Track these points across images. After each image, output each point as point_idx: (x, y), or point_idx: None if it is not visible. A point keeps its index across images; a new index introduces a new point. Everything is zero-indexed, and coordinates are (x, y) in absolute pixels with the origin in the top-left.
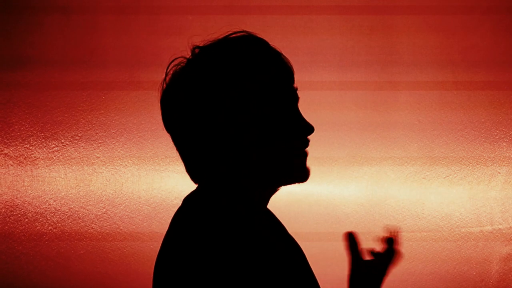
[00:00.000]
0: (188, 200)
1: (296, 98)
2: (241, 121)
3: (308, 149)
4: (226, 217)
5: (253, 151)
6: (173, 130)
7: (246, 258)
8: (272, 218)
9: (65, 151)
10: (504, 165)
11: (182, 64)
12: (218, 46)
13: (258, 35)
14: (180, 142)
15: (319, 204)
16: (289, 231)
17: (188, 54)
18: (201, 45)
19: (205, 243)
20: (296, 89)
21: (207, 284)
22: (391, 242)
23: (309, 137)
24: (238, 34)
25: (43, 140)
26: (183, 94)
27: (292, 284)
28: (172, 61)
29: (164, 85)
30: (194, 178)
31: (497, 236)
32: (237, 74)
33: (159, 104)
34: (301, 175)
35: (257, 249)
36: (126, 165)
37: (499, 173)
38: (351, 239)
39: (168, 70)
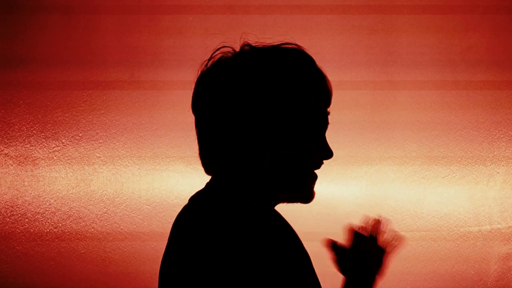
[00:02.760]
0: (194, 199)
1: (326, 123)
2: (267, 126)
3: (318, 171)
4: (231, 218)
5: (269, 157)
6: (199, 112)
7: (250, 258)
8: (278, 219)
9: (65, 151)
10: (503, 165)
11: (228, 54)
12: (268, 51)
13: (308, 52)
14: (202, 126)
15: (319, 204)
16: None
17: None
18: (252, 44)
19: (209, 243)
20: (329, 113)
21: (212, 283)
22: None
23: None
24: (290, 46)
25: (44, 140)
26: (221, 81)
27: (294, 284)
28: (221, 47)
29: (204, 68)
30: (205, 166)
31: (496, 235)
32: (279, 82)
33: (194, 84)
34: (306, 196)
35: (260, 249)
36: (126, 164)
37: (498, 172)
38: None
39: (213, 54)
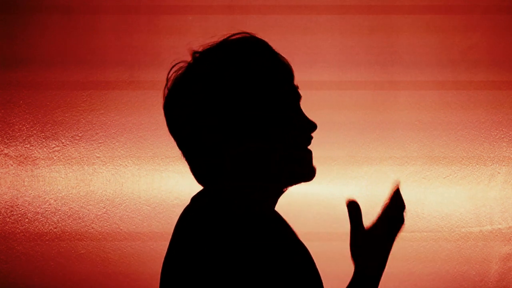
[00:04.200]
0: (196, 200)
1: (297, 96)
2: (238, 124)
3: (311, 147)
4: (232, 219)
5: (258, 151)
6: (178, 135)
7: (250, 260)
8: (279, 220)
9: (65, 151)
10: (503, 165)
11: (182, 69)
12: (217, 50)
13: (256, 36)
14: (185, 147)
15: (319, 204)
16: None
17: (188, 58)
18: (200, 49)
19: (210, 245)
20: (297, 87)
21: (212, 284)
22: (395, 208)
23: (311, 134)
24: (237, 36)
25: (43, 140)
26: (185, 99)
27: (296, 286)
28: (173, 66)
29: (166, 91)
30: (200, 181)
31: (497, 236)
32: (237, 77)
33: (163, 110)
34: (307, 172)
35: (261, 251)
36: (126, 165)
37: (499, 173)
38: (353, 207)
39: (169, 76)
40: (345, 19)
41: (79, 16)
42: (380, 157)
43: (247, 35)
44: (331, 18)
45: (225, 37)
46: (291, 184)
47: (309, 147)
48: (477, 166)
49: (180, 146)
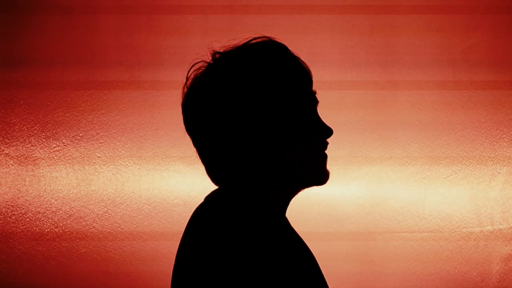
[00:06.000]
0: (210, 199)
1: (315, 101)
2: (261, 125)
3: (327, 151)
4: (244, 221)
5: (273, 154)
6: (194, 133)
7: (259, 262)
8: (286, 224)
9: (66, 150)
10: (504, 165)
11: (202, 68)
12: (239, 52)
13: (277, 40)
14: (201, 145)
15: (319, 204)
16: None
17: (207, 58)
18: (221, 50)
19: (222, 245)
20: (315, 92)
21: (221, 284)
22: None
23: (328, 139)
24: (259, 40)
25: (44, 140)
26: (204, 98)
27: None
28: (192, 66)
29: (185, 89)
30: (215, 180)
31: (498, 236)
32: (256, 80)
33: (181, 108)
34: (320, 176)
35: (270, 253)
36: (127, 164)
37: (500, 173)
38: None
39: (189, 75)
40: (345, 19)
41: (79, 16)
42: (380, 157)
43: (267, 39)
44: (331, 18)
45: (246, 40)
46: (304, 187)
47: (326, 151)
48: (477, 166)
49: (197, 144)
